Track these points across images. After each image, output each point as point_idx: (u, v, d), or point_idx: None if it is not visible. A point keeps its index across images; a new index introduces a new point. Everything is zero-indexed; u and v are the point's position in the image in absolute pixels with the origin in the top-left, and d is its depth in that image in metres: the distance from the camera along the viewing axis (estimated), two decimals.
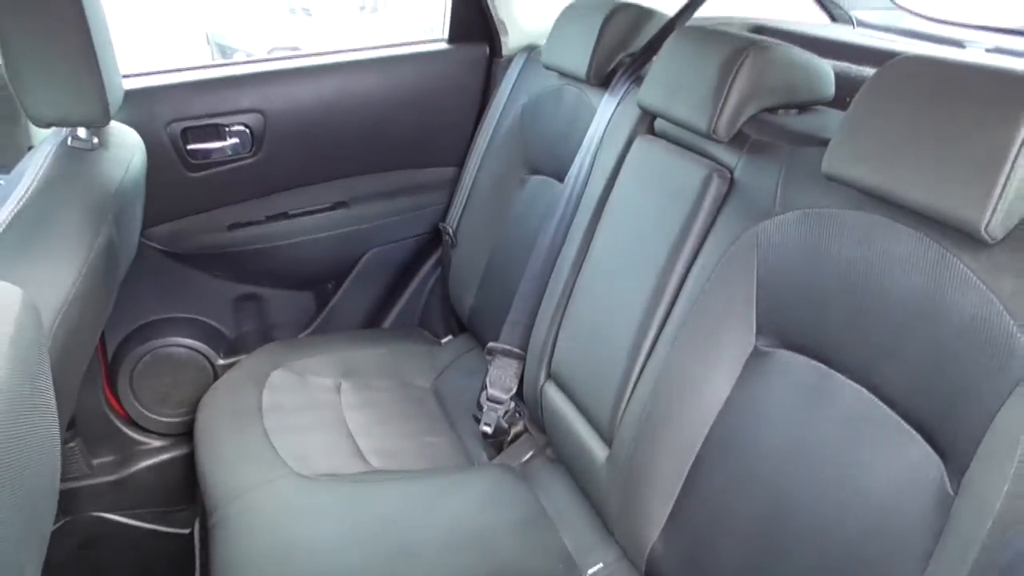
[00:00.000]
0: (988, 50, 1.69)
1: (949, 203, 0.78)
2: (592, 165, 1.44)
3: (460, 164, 1.93)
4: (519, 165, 1.78)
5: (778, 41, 1.12)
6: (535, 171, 1.73)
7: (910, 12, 1.86)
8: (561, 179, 1.58)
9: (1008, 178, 0.73)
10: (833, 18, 1.93)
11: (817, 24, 1.87)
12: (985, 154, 0.74)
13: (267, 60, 1.85)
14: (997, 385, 0.74)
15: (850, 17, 1.93)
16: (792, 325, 1.00)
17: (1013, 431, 0.71)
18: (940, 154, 0.79)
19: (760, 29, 1.68)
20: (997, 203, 0.73)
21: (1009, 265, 0.76)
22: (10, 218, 1.04)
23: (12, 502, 0.61)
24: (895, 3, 1.86)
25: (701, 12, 1.63)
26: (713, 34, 1.17)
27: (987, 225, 0.74)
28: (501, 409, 1.56)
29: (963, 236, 0.79)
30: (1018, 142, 0.72)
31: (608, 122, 1.43)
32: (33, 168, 1.16)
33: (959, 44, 1.73)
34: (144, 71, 1.72)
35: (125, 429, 1.83)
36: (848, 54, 1.54)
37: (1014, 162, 0.73)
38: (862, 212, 0.90)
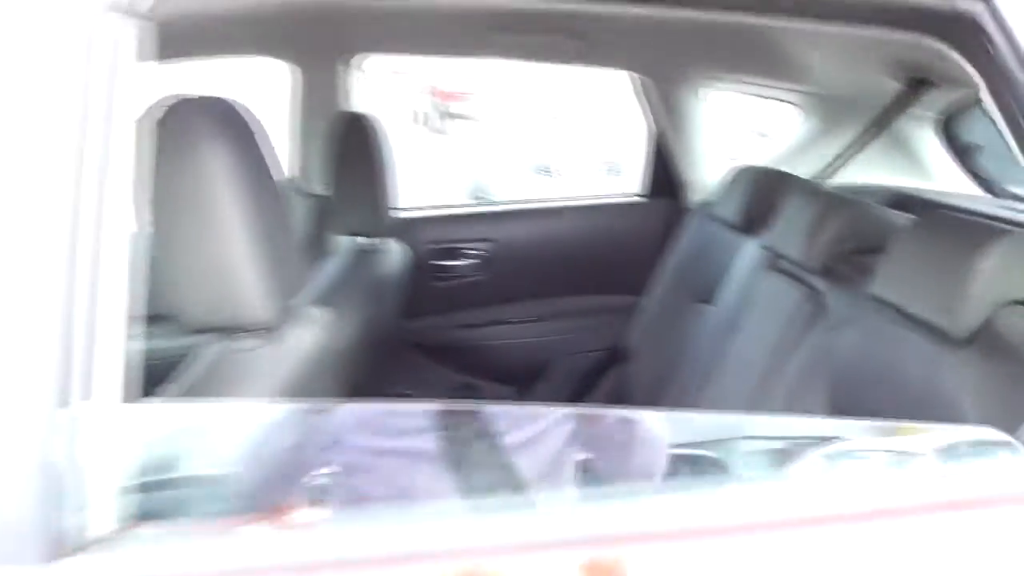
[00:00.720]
0: None
1: (935, 314, 1.07)
2: (732, 292, 1.80)
3: (640, 293, 2.34)
4: (688, 295, 2.16)
5: (860, 199, 1.46)
6: (699, 299, 2.10)
7: None
8: (713, 304, 1.94)
9: (966, 294, 1.02)
10: (991, 192, 2.15)
11: (968, 195, 2.09)
12: (954, 279, 1.04)
13: (500, 203, 2.44)
14: None
15: (1008, 192, 2.14)
16: (850, 410, 1.28)
17: None
18: (932, 279, 1.09)
19: (902, 198, 1.96)
20: (959, 312, 1.03)
21: (974, 362, 1.03)
22: (319, 290, 1.60)
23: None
24: None
25: (851, 180, 1.97)
26: (816, 193, 1.53)
27: (953, 327, 1.03)
28: None
29: (950, 340, 1.07)
30: (974, 269, 1.02)
31: (747, 259, 1.80)
32: (335, 260, 1.75)
33: None
34: (413, 205, 2.37)
35: None
36: None
37: (969, 283, 1.02)
38: (891, 324, 1.20)
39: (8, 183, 0.63)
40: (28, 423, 0.61)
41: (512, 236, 2.36)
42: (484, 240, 2.35)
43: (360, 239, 1.83)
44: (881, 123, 1.87)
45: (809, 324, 1.45)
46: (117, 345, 0.67)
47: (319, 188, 2.09)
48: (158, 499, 0.75)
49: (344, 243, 1.87)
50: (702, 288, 2.09)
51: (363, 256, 1.81)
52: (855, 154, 1.85)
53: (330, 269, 1.67)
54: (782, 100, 2.35)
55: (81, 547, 0.63)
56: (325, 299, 1.50)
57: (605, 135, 5.59)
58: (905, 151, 2.18)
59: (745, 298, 1.73)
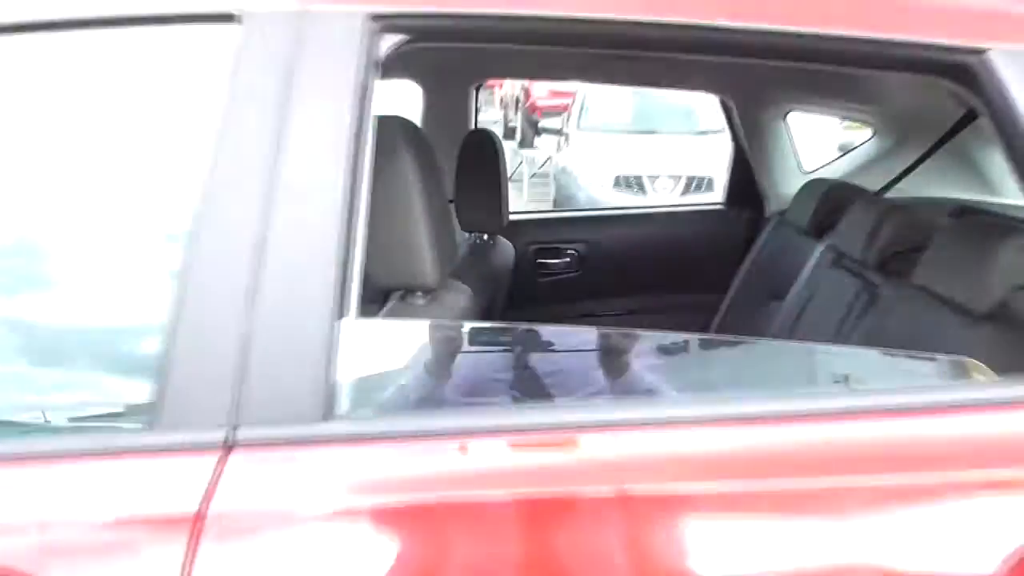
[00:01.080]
0: None
1: (961, 294, 1.33)
2: (800, 286, 2.06)
3: (722, 292, 2.60)
4: (763, 293, 2.42)
5: (914, 205, 1.71)
6: (773, 297, 2.36)
7: None
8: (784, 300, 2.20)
9: (986, 279, 1.28)
10: None
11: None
12: (978, 267, 1.30)
13: (596, 209, 2.75)
14: None
15: None
16: None
17: None
18: (962, 267, 1.35)
19: (963, 209, 2.17)
20: (980, 293, 1.28)
21: (990, 334, 1.28)
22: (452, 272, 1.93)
23: None
24: None
25: (922, 192, 2.20)
26: (875, 200, 1.78)
27: (975, 305, 1.29)
28: None
29: (972, 317, 1.32)
30: (993, 259, 1.27)
31: (815, 260, 2.05)
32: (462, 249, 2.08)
33: None
34: (520, 210, 2.70)
35: None
36: None
37: (989, 270, 1.27)
38: (929, 306, 1.45)
39: (313, 184, 0.96)
40: (320, 331, 0.94)
41: (605, 238, 2.67)
42: (580, 241, 2.66)
43: (477, 236, 2.17)
44: (944, 141, 2.10)
45: (864, 311, 1.70)
46: (357, 283, 1.00)
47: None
48: (375, 388, 1.09)
49: (464, 238, 2.21)
50: (776, 287, 2.35)
51: (480, 249, 2.14)
52: (917, 167, 2.08)
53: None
54: (856, 119, 2.59)
55: (338, 416, 0.96)
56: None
57: (695, 150, 5.80)
58: (973, 168, 2.39)
59: (810, 290, 1.99)
